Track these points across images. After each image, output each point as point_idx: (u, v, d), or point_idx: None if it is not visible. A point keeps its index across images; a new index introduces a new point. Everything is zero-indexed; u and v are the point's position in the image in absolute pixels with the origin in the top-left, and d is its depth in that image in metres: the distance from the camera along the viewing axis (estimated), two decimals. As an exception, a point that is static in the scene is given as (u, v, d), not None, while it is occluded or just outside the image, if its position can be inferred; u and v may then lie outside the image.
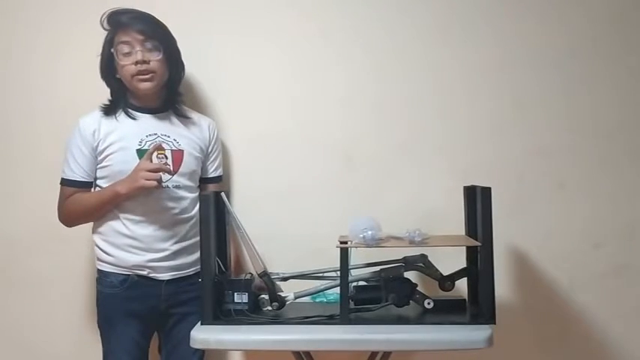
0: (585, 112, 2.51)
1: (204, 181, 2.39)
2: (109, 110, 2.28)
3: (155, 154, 2.22)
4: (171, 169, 2.26)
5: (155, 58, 2.22)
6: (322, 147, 2.53)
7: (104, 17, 2.23)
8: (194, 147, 2.32)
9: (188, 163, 2.30)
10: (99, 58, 2.26)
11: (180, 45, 2.32)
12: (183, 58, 2.33)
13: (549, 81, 2.50)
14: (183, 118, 2.34)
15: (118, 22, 2.21)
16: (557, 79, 2.51)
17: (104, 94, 2.32)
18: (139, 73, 2.20)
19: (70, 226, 2.31)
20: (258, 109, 2.54)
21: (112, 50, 2.22)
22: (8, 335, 2.59)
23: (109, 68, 2.26)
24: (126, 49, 2.20)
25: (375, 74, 2.53)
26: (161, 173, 2.16)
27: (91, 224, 2.31)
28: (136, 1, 2.30)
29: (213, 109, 2.50)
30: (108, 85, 2.29)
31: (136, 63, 2.19)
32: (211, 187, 2.38)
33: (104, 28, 2.24)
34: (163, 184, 2.22)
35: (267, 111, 2.54)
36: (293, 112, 2.54)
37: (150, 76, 2.22)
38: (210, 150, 2.39)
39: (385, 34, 2.53)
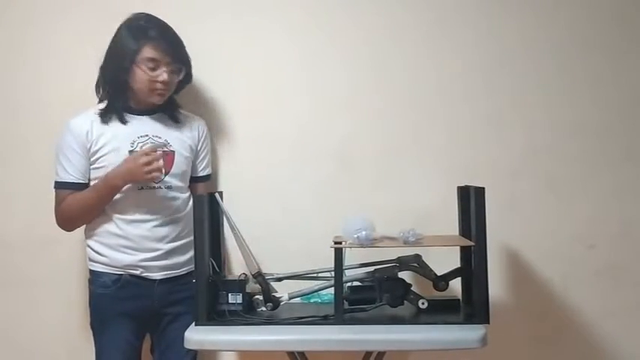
0: (579, 112, 2.51)
1: (193, 180, 2.39)
2: (106, 112, 2.26)
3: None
4: (163, 170, 2.26)
5: (176, 80, 2.27)
6: (316, 147, 2.53)
7: (129, 22, 2.23)
8: (185, 148, 2.33)
9: (179, 164, 2.30)
10: (102, 54, 2.25)
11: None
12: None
13: (543, 81, 2.51)
14: (175, 118, 2.35)
15: (146, 35, 2.21)
16: (552, 79, 2.51)
17: (95, 95, 2.32)
18: (158, 89, 2.23)
19: (70, 230, 2.29)
20: (252, 109, 2.54)
21: (137, 60, 2.20)
22: (2, 337, 2.59)
23: (122, 72, 2.23)
24: (151, 64, 2.21)
25: (369, 75, 2.53)
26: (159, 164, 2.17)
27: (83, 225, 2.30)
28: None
29: (208, 109, 2.50)
30: (113, 87, 2.27)
31: (160, 82, 2.22)
32: (201, 186, 2.39)
33: (125, 33, 2.22)
34: (156, 185, 2.24)
35: (261, 111, 2.54)
36: (287, 113, 2.54)
37: (165, 91, 2.26)
38: (199, 148, 2.39)
39: (380, 34, 2.53)
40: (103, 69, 2.28)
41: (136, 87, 2.24)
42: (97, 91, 2.32)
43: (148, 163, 2.14)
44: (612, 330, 2.51)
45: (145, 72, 2.20)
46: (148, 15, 2.25)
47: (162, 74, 2.22)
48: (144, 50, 2.20)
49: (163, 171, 2.22)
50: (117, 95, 2.27)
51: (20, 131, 2.57)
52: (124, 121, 2.26)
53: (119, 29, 2.25)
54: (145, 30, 2.22)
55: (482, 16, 2.52)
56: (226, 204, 2.30)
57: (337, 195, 2.50)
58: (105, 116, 2.26)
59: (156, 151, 2.18)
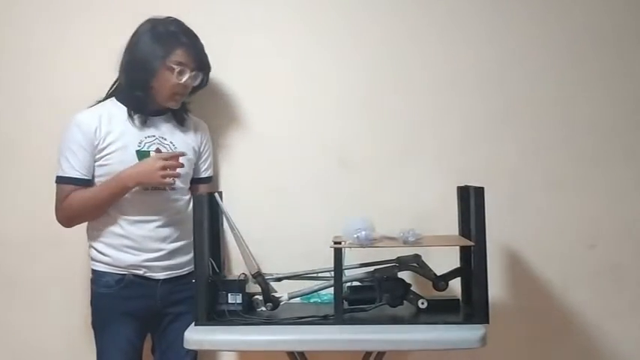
0: (579, 111, 2.51)
1: (195, 181, 2.40)
2: (133, 113, 2.27)
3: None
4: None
5: (195, 85, 2.29)
6: (316, 147, 2.53)
7: (155, 25, 2.24)
8: (188, 150, 2.34)
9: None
10: (127, 55, 2.25)
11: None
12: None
13: (543, 80, 2.51)
14: (180, 121, 2.36)
15: (178, 40, 2.23)
16: (551, 78, 2.51)
17: (102, 91, 2.32)
18: (179, 93, 2.26)
19: (70, 226, 2.29)
20: (252, 109, 2.54)
21: (167, 63, 2.21)
22: (3, 336, 2.59)
23: (148, 73, 2.23)
24: (178, 68, 2.22)
25: (369, 75, 2.53)
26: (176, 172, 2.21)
27: (84, 225, 2.30)
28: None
29: (208, 110, 2.50)
30: (133, 88, 2.26)
31: (183, 86, 2.24)
32: (202, 188, 2.40)
33: (153, 36, 2.22)
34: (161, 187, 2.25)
35: (261, 112, 2.54)
36: (287, 113, 2.54)
37: (183, 96, 2.29)
38: (202, 150, 2.40)
39: (380, 35, 2.53)
40: (125, 69, 2.27)
41: (159, 89, 2.24)
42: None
43: (164, 168, 2.16)
44: (612, 330, 2.51)
45: (174, 75, 2.22)
46: (176, 19, 2.26)
47: (187, 79, 2.24)
48: (174, 54, 2.22)
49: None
50: (136, 96, 2.26)
51: (21, 130, 2.57)
52: (142, 122, 2.27)
53: (142, 33, 2.24)
54: (175, 35, 2.23)
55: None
56: (226, 204, 2.30)
57: (337, 195, 2.50)
58: (116, 114, 2.26)
59: (178, 159, 2.21)
